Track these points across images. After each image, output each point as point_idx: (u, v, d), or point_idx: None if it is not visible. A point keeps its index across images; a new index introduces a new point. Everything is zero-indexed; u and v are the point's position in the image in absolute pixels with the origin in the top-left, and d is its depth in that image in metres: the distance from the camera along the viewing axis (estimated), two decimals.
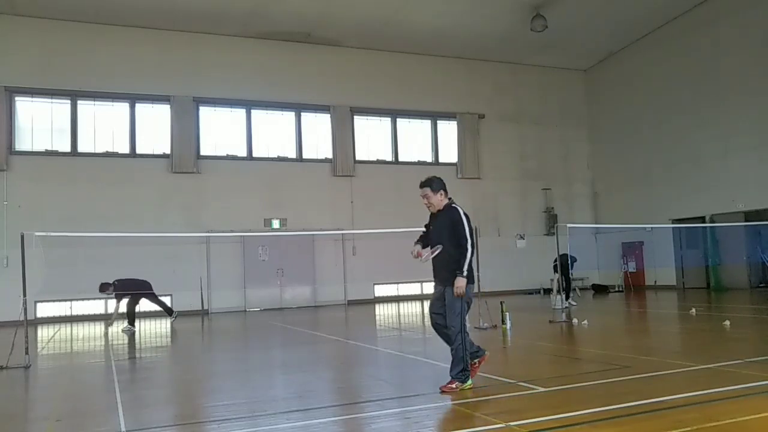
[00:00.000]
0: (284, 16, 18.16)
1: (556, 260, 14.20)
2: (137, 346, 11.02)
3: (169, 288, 17.38)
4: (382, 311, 16.62)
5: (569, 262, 14.77)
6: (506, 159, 22.15)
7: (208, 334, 13.02)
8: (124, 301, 13.57)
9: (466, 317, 5.73)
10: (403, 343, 9.86)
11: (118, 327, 13.55)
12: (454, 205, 5.78)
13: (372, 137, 20.87)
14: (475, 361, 5.74)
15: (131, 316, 13.44)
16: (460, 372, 5.50)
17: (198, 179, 18.41)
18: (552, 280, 17.08)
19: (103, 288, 13.37)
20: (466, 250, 5.54)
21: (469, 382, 5.54)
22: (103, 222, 16.38)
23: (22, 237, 8.40)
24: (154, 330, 14.07)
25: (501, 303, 10.74)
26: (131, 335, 12.48)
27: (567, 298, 14.85)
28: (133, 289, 13.52)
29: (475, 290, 11.64)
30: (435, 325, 5.81)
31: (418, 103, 21.04)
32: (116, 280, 13.48)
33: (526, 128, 22.55)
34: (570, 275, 14.94)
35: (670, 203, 19.85)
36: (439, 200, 5.77)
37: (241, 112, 19.39)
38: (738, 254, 18.23)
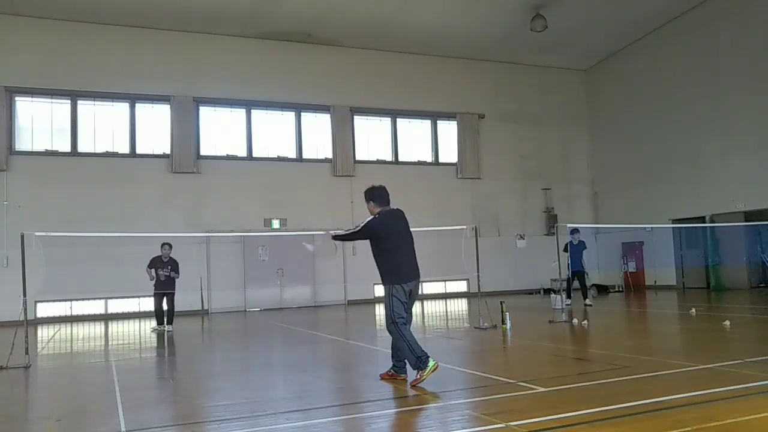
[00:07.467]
0: (284, 16, 18.15)
1: (567, 246, 14.31)
2: (137, 346, 11.01)
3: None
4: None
5: (581, 249, 14.77)
6: (506, 159, 22.13)
7: (208, 334, 13.02)
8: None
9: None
10: None
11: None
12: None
13: (372, 137, 20.85)
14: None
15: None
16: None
17: (198, 179, 18.41)
18: (553, 279, 17.11)
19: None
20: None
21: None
22: (104, 222, 16.34)
23: (22, 237, 8.39)
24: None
25: (501, 303, 10.74)
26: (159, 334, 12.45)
27: (585, 297, 14.94)
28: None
29: (475, 290, 11.65)
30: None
31: (418, 103, 21.02)
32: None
33: (526, 128, 22.53)
34: (584, 268, 14.84)
35: (670, 203, 19.83)
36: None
37: (241, 112, 19.38)
38: (738, 254, 18.21)
